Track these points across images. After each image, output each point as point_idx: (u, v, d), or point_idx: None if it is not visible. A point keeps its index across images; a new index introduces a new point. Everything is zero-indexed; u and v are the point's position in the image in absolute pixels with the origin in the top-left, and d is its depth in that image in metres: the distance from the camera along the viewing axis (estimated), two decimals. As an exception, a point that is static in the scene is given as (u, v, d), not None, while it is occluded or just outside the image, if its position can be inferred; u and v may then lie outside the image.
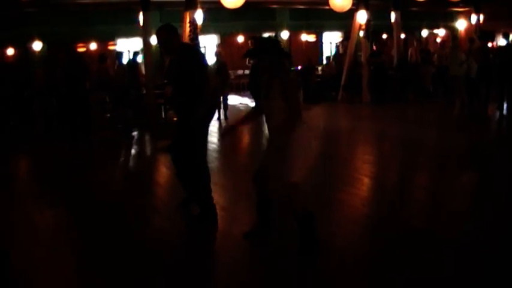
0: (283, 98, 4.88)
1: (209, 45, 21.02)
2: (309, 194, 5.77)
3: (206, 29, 16.38)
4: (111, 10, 17.42)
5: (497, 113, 13.69)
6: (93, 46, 19.44)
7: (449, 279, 4.55)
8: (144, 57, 14.79)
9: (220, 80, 14.61)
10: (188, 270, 5.04)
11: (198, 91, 5.89)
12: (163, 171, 9.68)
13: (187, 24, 14.57)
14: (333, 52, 23.74)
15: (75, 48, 15.98)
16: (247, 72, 22.65)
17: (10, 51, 17.77)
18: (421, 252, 5.15)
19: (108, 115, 14.43)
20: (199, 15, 14.54)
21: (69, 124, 12.75)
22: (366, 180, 8.17)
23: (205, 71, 6.15)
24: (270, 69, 5.04)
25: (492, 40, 19.78)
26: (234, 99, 18.96)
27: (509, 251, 5.13)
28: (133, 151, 11.67)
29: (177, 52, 6.14)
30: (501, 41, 17.66)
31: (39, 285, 4.82)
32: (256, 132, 12.70)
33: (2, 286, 4.76)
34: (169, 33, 6.07)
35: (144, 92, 14.65)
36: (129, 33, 17.99)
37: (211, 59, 15.30)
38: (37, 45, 16.72)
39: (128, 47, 19.31)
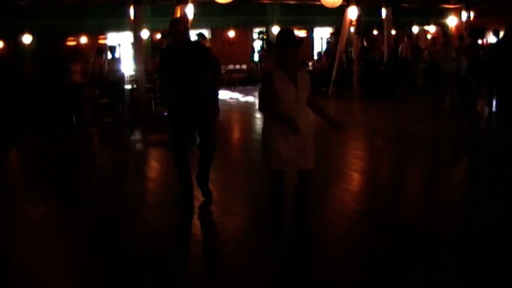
0: (310, 87, 5.08)
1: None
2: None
3: (197, 23, 16.33)
4: (101, 4, 17.34)
5: (487, 109, 13.76)
6: (83, 40, 19.35)
7: (441, 273, 4.59)
8: (135, 52, 14.73)
9: (212, 75, 14.55)
10: (179, 264, 5.06)
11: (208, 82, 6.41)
12: (154, 165, 9.68)
13: (179, 18, 14.53)
14: (324, 47, 23.76)
15: (61, 42, 15.84)
16: (238, 67, 22.68)
17: (-1, 44, 17.70)
18: (413, 246, 5.18)
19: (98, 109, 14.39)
20: (190, 9, 14.50)
21: (59, 118, 12.68)
22: (357, 175, 8.19)
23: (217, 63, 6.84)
24: (296, 61, 5.03)
25: (482, 37, 19.89)
26: (224, 94, 18.96)
27: (501, 245, 5.19)
28: (124, 145, 11.63)
29: (189, 45, 6.56)
30: (491, 38, 17.76)
31: (35, 279, 4.81)
32: (244, 128, 12.74)
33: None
34: (186, 26, 6.65)
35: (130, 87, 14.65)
36: (119, 27, 17.88)
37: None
38: (27, 39, 16.62)
39: (118, 40, 19.24)
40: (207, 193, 6.69)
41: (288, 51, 4.93)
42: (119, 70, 14.00)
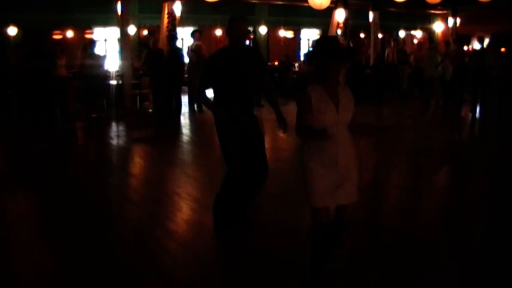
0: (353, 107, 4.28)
1: (187, 37, 20.91)
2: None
3: (184, 21, 16.29)
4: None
5: (470, 115, 13.89)
6: (69, 34, 19.20)
7: (426, 280, 4.60)
8: (121, 47, 14.65)
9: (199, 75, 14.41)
10: (162, 262, 5.03)
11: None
12: (138, 161, 9.65)
13: (166, 16, 14.49)
14: (310, 49, 23.77)
15: (47, 36, 15.65)
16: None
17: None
18: (398, 253, 5.17)
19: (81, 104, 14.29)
20: (177, 7, 14.48)
21: (43, 112, 12.56)
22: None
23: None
24: (339, 76, 4.34)
25: (467, 44, 20.06)
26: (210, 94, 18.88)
27: (486, 251, 5.23)
28: (108, 141, 11.56)
29: (248, 49, 6.08)
30: (476, 45, 17.93)
31: (14, 273, 4.77)
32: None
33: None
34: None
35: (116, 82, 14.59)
36: (106, 22, 17.77)
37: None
38: (12, 31, 16.44)
39: (105, 36, 19.13)
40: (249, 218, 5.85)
41: (333, 65, 4.11)
42: (95, 65, 13.78)
